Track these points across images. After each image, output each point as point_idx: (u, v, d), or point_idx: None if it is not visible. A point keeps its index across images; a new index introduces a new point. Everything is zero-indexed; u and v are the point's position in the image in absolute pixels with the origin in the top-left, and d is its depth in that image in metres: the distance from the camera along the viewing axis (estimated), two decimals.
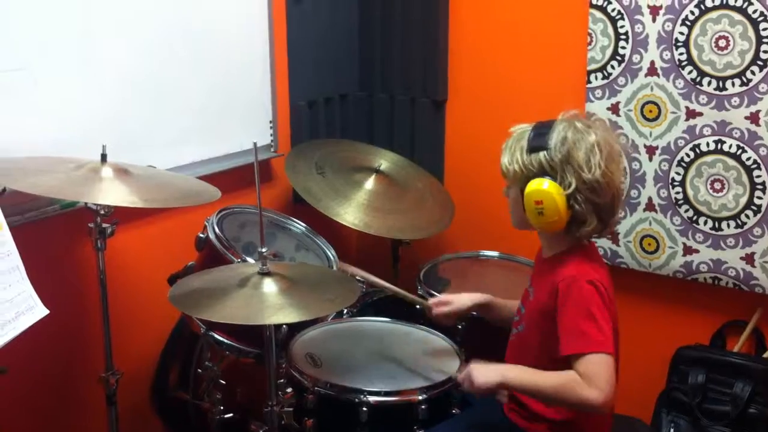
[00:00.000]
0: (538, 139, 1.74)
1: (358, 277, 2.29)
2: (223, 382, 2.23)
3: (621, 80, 2.57)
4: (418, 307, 2.29)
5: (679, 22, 2.43)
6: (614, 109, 2.60)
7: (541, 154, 1.72)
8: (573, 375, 1.66)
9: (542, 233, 1.86)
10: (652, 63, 2.50)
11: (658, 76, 2.50)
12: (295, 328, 2.19)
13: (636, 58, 2.53)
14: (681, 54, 2.44)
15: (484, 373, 1.79)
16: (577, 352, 1.67)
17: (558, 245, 1.83)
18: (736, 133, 2.40)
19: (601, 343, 1.66)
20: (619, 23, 2.53)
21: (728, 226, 2.46)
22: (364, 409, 1.93)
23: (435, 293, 2.43)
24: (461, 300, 2.13)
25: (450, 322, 2.21)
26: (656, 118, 2.53)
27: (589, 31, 2.60)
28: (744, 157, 2.40)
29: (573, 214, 1.72)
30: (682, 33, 2.43)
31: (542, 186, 1.71)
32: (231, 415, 2.24)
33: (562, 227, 1.74)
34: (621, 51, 2.55)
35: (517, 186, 1.78)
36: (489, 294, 2.12)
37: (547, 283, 1.78)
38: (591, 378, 1.63)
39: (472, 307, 2.12)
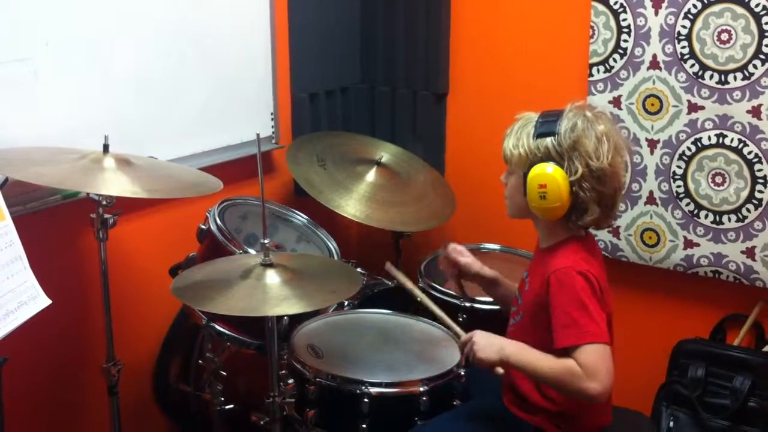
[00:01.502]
0: (547, 125, 1.75)
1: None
2: (224, 373, 2.24)
3: (623, 73, 2.57)
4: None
5: (682, 15, 2.43)
6: (616, 102, 2.60)
7: (549, 140, 1.73)
8: (573, 365, 1.66)
9: (539, 223, 1.86)
10: (654, 56, 2.50)
11: (660, 69, 2.50)
12: (297, 320, 2.19)
13: (638, 51, 2.52)
14: (683, 47, 2.44)
15: (485, 348, 1.79)
16: (573, 344, 1.67)
17: (554, 237, 1.83)
18: (737, 127, 2.40)
19: (596, 333, 1.67)
20: (621, 16, 2.53)
21: (729, 219, 2.46)
22: (366, 400, 1.94)
23: (437, 285, 2.44)
24: (471, 262, 2.11)
25: (450, 272, 2.17)
26: (658, 112, 2.53)
27: (591, 24, 2.60)
28: (745, 151, 2.40)
29: (575, 202, 1.73)
30: (684, 26, 2.43)
31: (547, 170, 1.71)
32: (232, 406, 2.25)
33: (562, 215, 1.74)
34: (623, 44, 2.55)
35: (519, 171, 1.78)
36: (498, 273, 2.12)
37: (540, 274, 1.79)
38: (590, 370, 1.64)
39: (479, 273, 2.10)
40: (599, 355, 1.65)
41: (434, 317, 2.10)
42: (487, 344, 1.79)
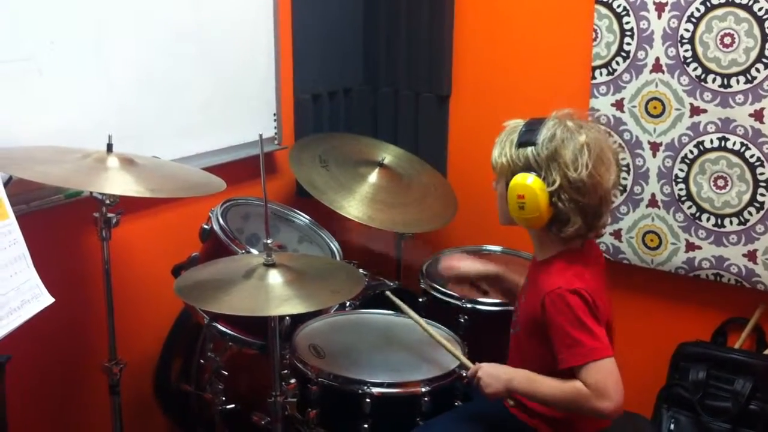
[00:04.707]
0: (528, 135, 1.74)
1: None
2: (226, 372, 2.24)
3: (626, 76, 2.57)
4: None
5: (685, 18, 2.43)
6: (618, 105, 2.60)
7: (529, 150, 1.73)
8: (580, 386, 1.67)
9: (533, 235, 1.86)
10: (657, 59, 2.50)
11: (663, 72, 2.50)
12: (299, 320, 2.20)
13: (641, 54, 2.53)
14: (686, 51, 2.45)
15: (491, 383, 1.81)
16: (578, 364, 1.67)
17: (546, 248, 1.83)
18: (740, 130, 2.40)
19: (598, 349, 1.67)
20: (625, 19, 2.54)
21: (731, 223, 2.47)
22: (368, 400, 1.94)
23: (437, 286, 2.45)
24: (470, 266, 2.13)
25: (461, 283, 2.22)
26: (660, 115, 2.53)
27: (594, 26, 2.61)
28: (748, 154, 2.40)
29: (556, 213, 1.72)
30: (687, 30, 2.43)
31: (526, 181, 1.71)
32: (233, 406, 2.25)
33: (543, 224, 1.74)
34: (626, 47, 2.55)
35: (503, 179, 1.79)
36: (500, 267, 2.13)
37: (536, 290, 1.79)
38: (599, 389, 1.64)
39: (481, 274, 2.12)
40: (605, 371, 1.66)
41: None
42: (493, 379, 1.81)
